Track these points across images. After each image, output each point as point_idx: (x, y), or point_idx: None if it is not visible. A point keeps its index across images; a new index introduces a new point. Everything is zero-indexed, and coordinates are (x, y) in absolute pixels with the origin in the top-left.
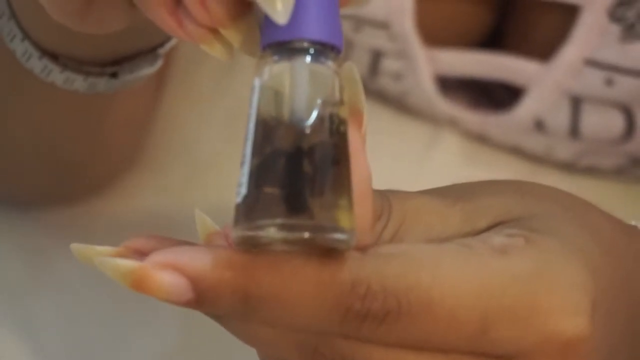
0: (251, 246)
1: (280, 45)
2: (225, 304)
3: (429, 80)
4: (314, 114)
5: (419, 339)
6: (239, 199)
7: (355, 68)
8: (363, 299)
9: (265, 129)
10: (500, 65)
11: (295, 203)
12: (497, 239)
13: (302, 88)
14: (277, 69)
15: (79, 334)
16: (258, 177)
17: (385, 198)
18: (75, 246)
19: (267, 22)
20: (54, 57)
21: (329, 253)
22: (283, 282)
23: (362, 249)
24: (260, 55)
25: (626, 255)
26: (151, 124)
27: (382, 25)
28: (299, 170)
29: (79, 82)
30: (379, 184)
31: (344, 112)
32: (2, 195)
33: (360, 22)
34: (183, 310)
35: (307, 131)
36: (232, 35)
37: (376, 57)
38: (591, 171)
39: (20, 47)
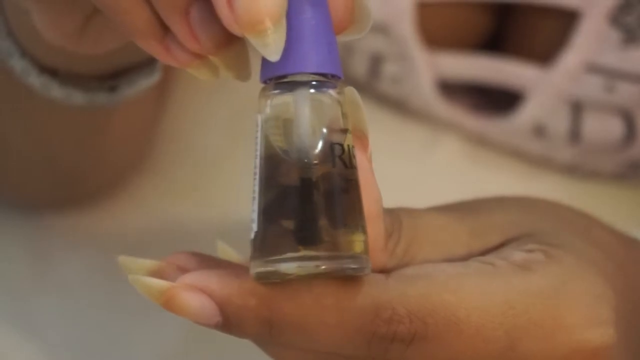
0: (269, 280)
1: (281, 78)
2: (250, 328)
3: (428, 83)
4: (320, 145)
5: (448, 358)
6: (252, 235)
7: (356, 92)
8: (388, 323)
9: (272, 164)
10: (500, 69)
11: (307, 235)
12: (517, 254)
13: (306, 120)
14: (280, 103)
15: (81, 334)
16: (269, 212)
17: (395, 216)
18: (122, 259)
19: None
20: (53, 72)
21: (349, 279)
22: (305, 310)
23: (380, 269)
24: (261, 89)
25: (626, 263)
26: (155, 128)
27: (382, 28)
28: (309, 203)
29: (78, 97)
30: (380, 184)
31: (349, 140)
32: (6, 199)
33: None
34: None
35: (314, 163)
36: (220, 62)
37: (376, 60)
38: (592, 176)
39: (19, 64)
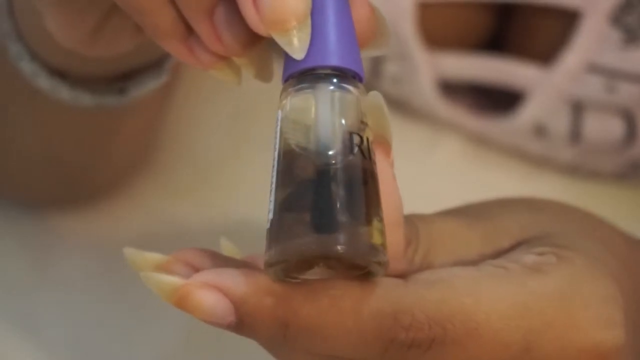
0: (283, 272)
1: (302, 74)
2: (264, 329)
3: (429, 83)
4: (339, 135)
5: None
6: (269, 225)
7: (381, 97)
8: (407, 329)
9: (292, 157)
10: (501, 69)
11: (325, 223)
12: (529, 257)
13: (326, 113)
14: (300, 97)
15: (81, 334)
16: (288, 202)
17: (412, 224)
18: (128, 251)
19: (287, 54)
20: (62, 75)
21: (367, 281)
22: (321, 313)
23: (399, 275)
24: (283, 86)
25: (630, 263)
26: (158, 128)
27: None
28: (327, 193)
29: (86, 99)
30: None
31: (368, 134)
32: (8, 196)
33: None
34: None
35: (333, 154)
36: (244, 62)
37: (377, 60)
38: (592, 176)
39: (28, 67)
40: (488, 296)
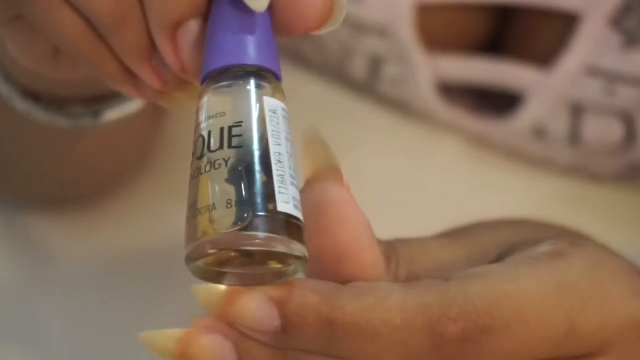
0: (205, 266)
1: (220, 73)
2: (309, 330)
3: (428, 86)
4: (255, 131)
5: (517, 350)
6: (186, 221)
7: (317, 130)
8: (456, 320)
9: (210, 152)
10: (501, 72)
11: (245, 216)
12: (544, 247)
13: (243, 109)
14: (218, 95)
15: (81, 334)
16: (207, 198)
17: (390, 245)
18: (144, 335)
19: (206, 55)
20: (36, 97)
21: (409, 282)
22: (368, 310)
23: None
24: (201, 86)
25: None
26: (155, 135)
27: (382, 31)
28: (247, 185)
29: (62, 122)
30: (382, 186)
31: (279, 129)
32: (9, 195)
33: (360, 29)
34: (186, 310)
35: (250, 147)
36: (183, 96)
37: (376, 63)
38: (592, 178)
39: (4, 88)
40: (526, 280)
